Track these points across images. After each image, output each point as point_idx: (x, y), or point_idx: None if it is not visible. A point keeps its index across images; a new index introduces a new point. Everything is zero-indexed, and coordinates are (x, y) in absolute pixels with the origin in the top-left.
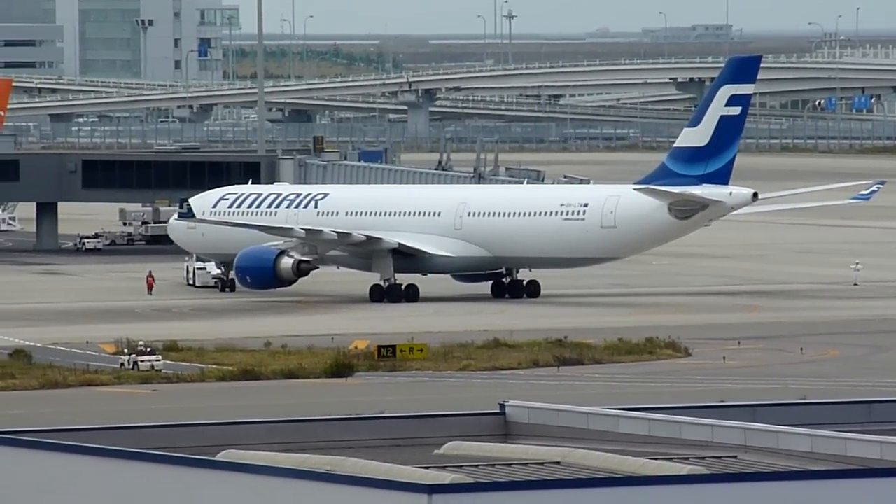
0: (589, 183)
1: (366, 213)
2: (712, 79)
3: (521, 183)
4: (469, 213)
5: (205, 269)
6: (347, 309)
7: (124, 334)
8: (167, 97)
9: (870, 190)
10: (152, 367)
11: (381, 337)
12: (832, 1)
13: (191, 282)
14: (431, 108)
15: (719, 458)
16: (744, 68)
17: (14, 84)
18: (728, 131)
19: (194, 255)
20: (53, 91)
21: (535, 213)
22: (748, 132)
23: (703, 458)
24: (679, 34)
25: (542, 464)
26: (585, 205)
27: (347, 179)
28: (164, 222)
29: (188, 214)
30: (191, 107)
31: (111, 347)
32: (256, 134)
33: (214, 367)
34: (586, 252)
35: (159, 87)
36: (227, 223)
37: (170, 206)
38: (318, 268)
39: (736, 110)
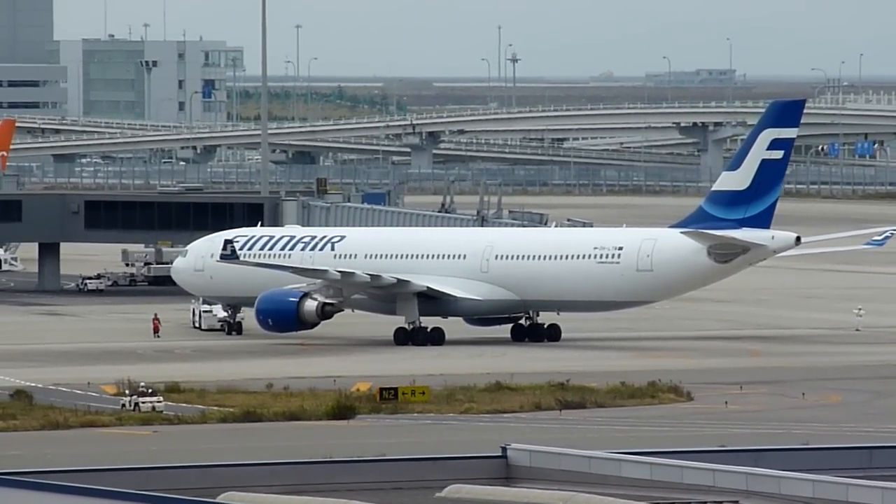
0: (591, 226)
1: (386, 256)
2: (716, 123)
3: (525, 226)
4: (496, 256)
5: (211, 311)
6: (350, 351)
7: (126, 375)
8: (171, 138)
9: (883, 236)
10: (153, 408)
11: (383, 379)
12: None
13: (196, 324)
14: (435, 151)
15: (721, 502)
16: (786, 112)
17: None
18: (770, 175)
19: (200, 298)
20: (57, 132)
21: (567, 257)
22: None
23: (705, 502)
24: (683, 79)
25: None
26: (620, 248)
27: (351, 222)
28: (167, 263)
29: (231, 256)
30: (194, 148)
31: (112, 388)
32: (260, 175)
33: (216, 408)
34: (621, 296)
35: (163, 128)
36: (267, 265)
37: (172, 247)
38: (342, 310)
39: (778, 154)
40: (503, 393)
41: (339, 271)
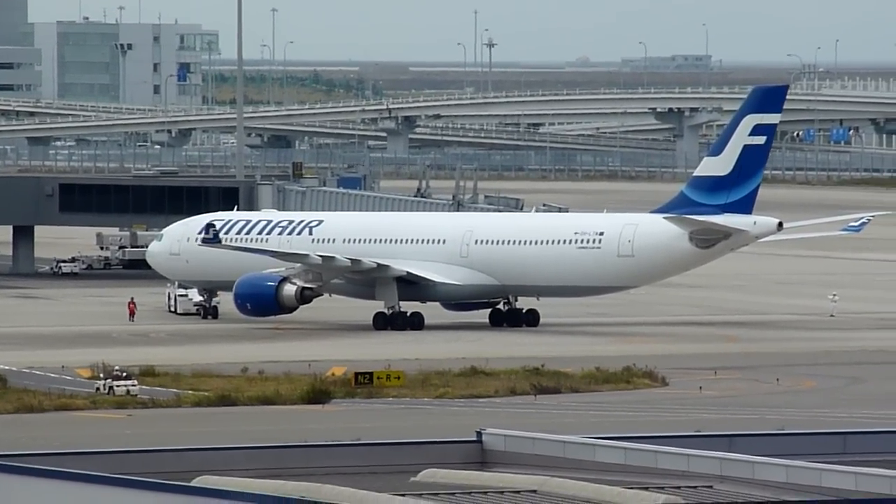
0: (567, 211)
1: (365, 241)
2: (692, 109)
3: (501, 211)
4: (476, 241)
5: (186, 295)
6: (325, 336)
7: (100, 359)
8: (146, 122)
9: (860, 222)
10: (128, 392)
11: (358, 364)
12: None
13: (172, 308)
14: (411, 135)
15: (695, 487)
16: (769, 98)
17: None
18: (752, 160)
19: (175, 282)
20: (31, 114)
21: (548, 242)
22: None
23: (679, 487)
24: (659, 64)
25: (518, 492)
26: (601, 233)
27: (326, 206)
28: (142, 247)
29: (214, 239)
30: (169, 131)
31: (87, 372)
32: (235, 159)
33: (191, 392)
34: (602, 281)
35: (138, 111)
36: (249, 249)
37: (147, 230)
38: (322, 295)
39: (761, 139)
40: (478, 378)
41: (320, 255)
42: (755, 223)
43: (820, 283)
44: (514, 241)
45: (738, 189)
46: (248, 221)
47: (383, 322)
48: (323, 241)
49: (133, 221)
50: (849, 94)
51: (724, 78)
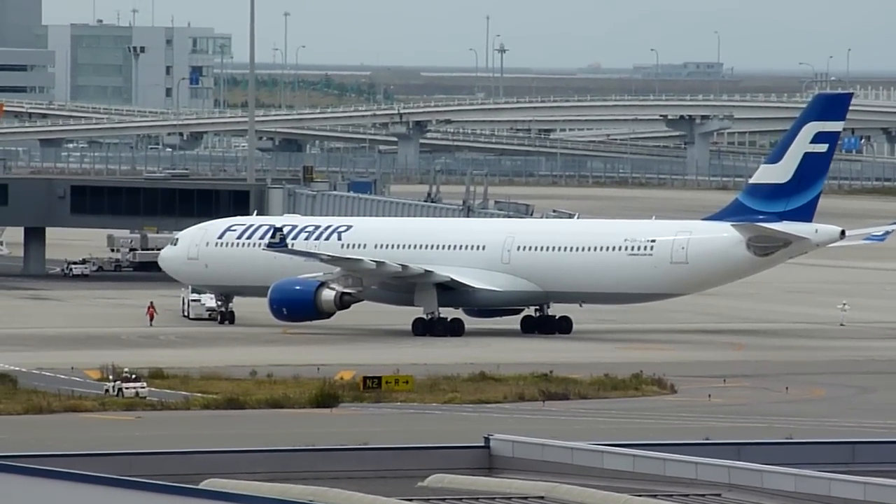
0: (576, 217)
1: (399, 246)
2: (703, 116)
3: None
4: (518, 247)
5: (199, 300)
6: (334, 340)
7: (110, 361)
8: (157, 124)
9: (883, 231)
10: (137, 394)
11: (366, 368)
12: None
13: (185, 313)
14: (422, 140)
15: (703, 495)
16: (832, 105)
17: (4, 109)
18: (813, 168)
19: (189, 287)
20: (44, 116)
21: (596, 248)
22: (736, 170)
23: (687, 495)
24: (670, 71)
25: (525, 498)
26: (653, 240)
27: (337, 210)
28: (152, 249)
29: (280, 244)
30: (181, 134)
31: (96, 374)
32: (246, 163)
33: (199, 395)
34: (654, 288)
35: (150, 113)
36: (310, 254)
37: (158, 233)
38: (361, 300)
39: (822, 147)
40: (487, 383)
41: (374, 260)
42: (817, 231)
43: (830, 292)
44: (560, 248)
45: (797, 197)
46: (272, 226)
47: (423, 328)
48: (353, 246)
49: (144, 224)
50: (860, 103)
51: (736, 86)
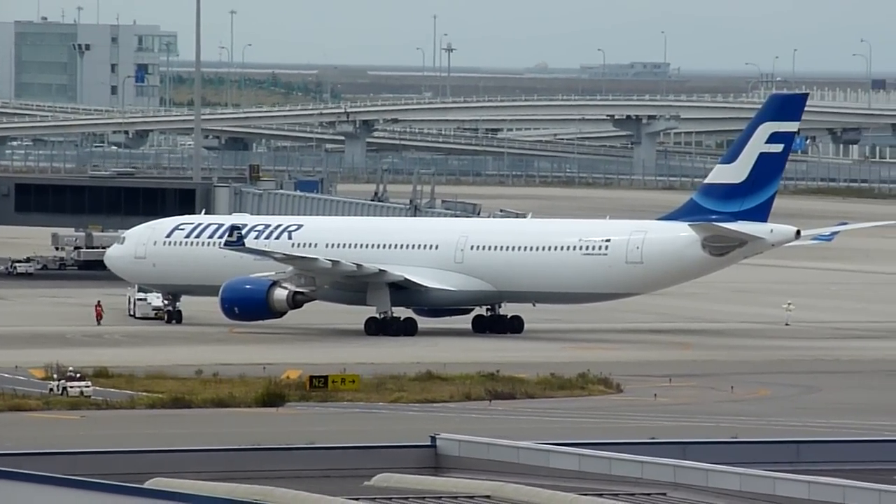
0: (526, 217)
1: (350, 246)
2: (650, 116)
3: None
4: (472, 247)
5: (145, 300)
6: (280, 339)
7: (54, 360)
8: (103, 122)
9: (831, 231)
10: (81, 393)
11: (313, 367)
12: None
13: (131, 312)
14: (369, 139)
15: (649, 494)
16: (788, 105)
17: None
18: (768, 168)
19: (135, 286)
20: None
21: (550, 248)
22: (683, 170)
23: (633, 494)
24: (617, 71)
25: (472, 497)
26: (608, 240)
27: (283, 209)
28: (97, 248)
29: (238, 242)
30: (126, 132)
31: (40, 372)
32: (192, 161)
33: (144, 394)
34: (608, 287)
35: (95, 112)
36: (265, 253)
37: (103, 231)
38: (313, 299)
39: (778, 147)
40: (433, 382)
41: (330, 260)
42: (772, 231)
43: (775, 292)
44: (514, 247)
45: (752, 197)
46: (220, 225)
47: (375, 327)
48: (303, 245)
49: (89, 222)
50: (806, 104)
51: (682, 86)
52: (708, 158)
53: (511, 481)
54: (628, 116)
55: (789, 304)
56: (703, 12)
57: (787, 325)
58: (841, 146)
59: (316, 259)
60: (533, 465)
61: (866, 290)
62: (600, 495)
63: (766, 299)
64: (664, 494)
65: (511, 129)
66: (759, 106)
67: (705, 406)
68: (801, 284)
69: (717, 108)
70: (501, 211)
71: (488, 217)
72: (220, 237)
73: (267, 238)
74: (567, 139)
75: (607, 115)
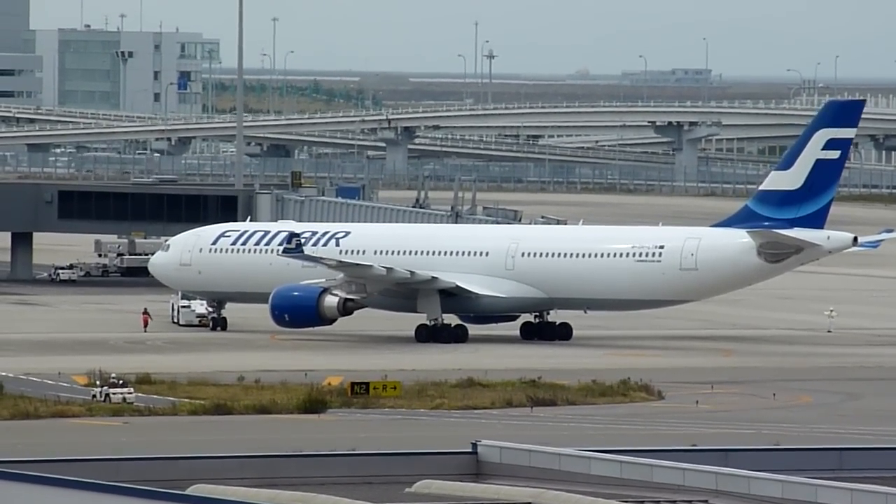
0: (566, 223)
1: (398, 252)
2: (691, 123)
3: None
4: (522, 254)
5: (189, 307)
6: (322, 346)
7: (97, 366)
8: (145, 129)
9: (877, 238)
10: (124, 399)
11: (354, 374)
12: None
13: (175, 320)
14: (410, 146)
15: (690, 501)
16: (845, 112)
17: None
18: (825, 175)
19: (179, 293)
20: (31, 121)
21: (603, 254)
22: (724, 177)
23: (675, 501)
24: (659, 78)
25: None
26: (661, 246)
27: (325, 216)
28: (140, 254)
29: (296, 250)
30: (169, 139)
31: (83, 379)
32: (234, 168)
33: (187, 400)
34: (662, 294)
35: (138, 118)
36: (322, 260)
37: (145, 238)
38: (364, 306)
39: (834, 154)
40: (475, 389)
41: (384, 266)
42: (829, 238)
43: (817, 299)
44: (566, 254)
45: (809, 203)
46: (267, 232)
47: (426, 335)
48: (352, 252)
49: (131, 229)
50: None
51: (724, 92)
52: (749, 165)
53: (552, 488)
54: (670, 123)
55: (832, 310)
56: (745, 19)
57: (829, 331)
58: (883, 152)
59: (371, 266)
60: (574, 471)
61: None
62: (641, 502)
63: (809, 306)
64: (706, 502)
65: (552, 136)
66: (801, 112)
67: (747, 413)
68: (843, 291)
69: (758, 114)
70: (543, 217)
71: (529, 224)
72: (267, 244)
73: (314, 245)
74: (608, 146)
75: (648, 122)
